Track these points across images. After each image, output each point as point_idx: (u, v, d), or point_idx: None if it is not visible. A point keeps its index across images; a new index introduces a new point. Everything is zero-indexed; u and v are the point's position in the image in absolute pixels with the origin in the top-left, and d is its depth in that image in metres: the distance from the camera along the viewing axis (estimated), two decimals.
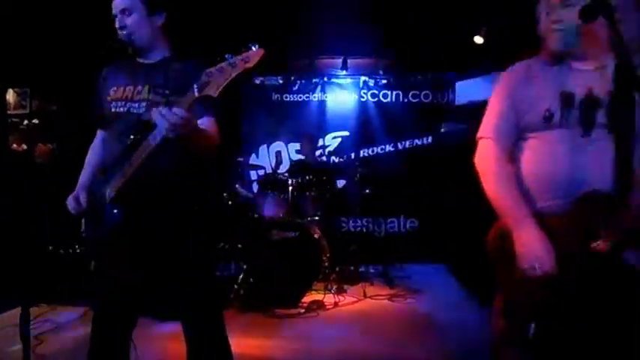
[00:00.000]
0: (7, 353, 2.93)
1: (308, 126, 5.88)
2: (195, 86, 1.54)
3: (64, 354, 2.99)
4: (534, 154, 1.55)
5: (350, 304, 4.05)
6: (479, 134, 1.67)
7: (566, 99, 1.49)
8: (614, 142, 1.43)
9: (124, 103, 1.86)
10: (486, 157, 1.63)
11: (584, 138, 1.46)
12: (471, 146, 1.72)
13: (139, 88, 1.86)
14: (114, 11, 1.85)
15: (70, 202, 1.89)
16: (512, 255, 1.48)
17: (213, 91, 1.53)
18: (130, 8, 1.83)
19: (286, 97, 6.05)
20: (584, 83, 1.49)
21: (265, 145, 6.06)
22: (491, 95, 1.68)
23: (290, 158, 5.94)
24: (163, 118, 1.53)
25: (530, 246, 1.44)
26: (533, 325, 1.46)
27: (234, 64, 1.51)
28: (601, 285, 1.42)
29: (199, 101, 1.57)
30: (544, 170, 1.51)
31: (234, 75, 1.52)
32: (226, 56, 1.52)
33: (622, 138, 1.42)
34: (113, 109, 1.88)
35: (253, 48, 1.52)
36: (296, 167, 5.12)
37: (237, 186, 4.71)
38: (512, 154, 1.63)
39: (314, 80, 6.05)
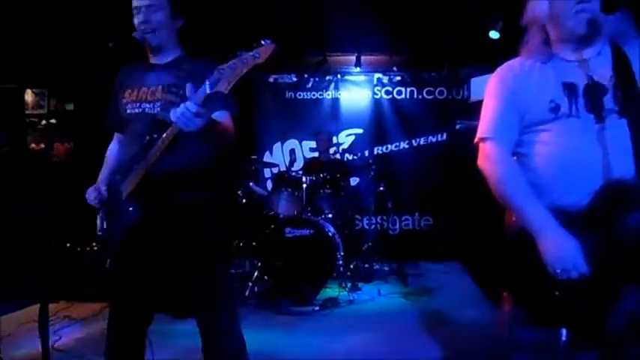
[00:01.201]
0: (27, 348, 2.99)
1: (322, 124, 5.87)
2: (207, 83, 1.56)
3: (81, 349, 3.04)
4: (548, 148, 1.48)
5: (364, 302, 4.04)
6: (480, 135, 1.59)
7: (570, 89, 1.45)
8: (628, 126, 1.37)
9: (138, 104, 1.88)
10: (494, 160, 1.55)
11: (598, 125, 1.40)
12: (475, 145, 1.66)
13: (153, 88, 1.88)
14: (136, 3, 1.85)
15: (90, 193, 1.91)
16: (534, 261, 1.40)
17: (224, 87, 1.54)
18: (157, 5, 1.84)
19: (300, 95, 6.05)
20: (582, 72, 1.45)
21: (279, 143, 6.07)
22: (486, 95, 1.62)
23: (304, 156, 5.94)
24: (177, 113, 1.54)
25: (561, 249, 1.36)
26: (565, 332, 1.41)
27: (244, 60, 1.53)
28: (634, 277, 1.37)
29: (212, 97, 1.58)
30: (561, 163, 1.44)
31: (244, 71, 1.54)
32: (238, 52, 1.53)
33: (635, 121, 1.37)
34: (129, 111, 1.90)
35: (264, 43, 1.52)
36: (310, 165, 5.12)
37: (251, 184, 4.73)
38: (516, 150, 1.57)
39: (327, 78, 6.04)
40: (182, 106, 1.56)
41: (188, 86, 1.60)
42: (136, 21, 1.86)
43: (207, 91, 1.56)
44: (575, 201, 1.41)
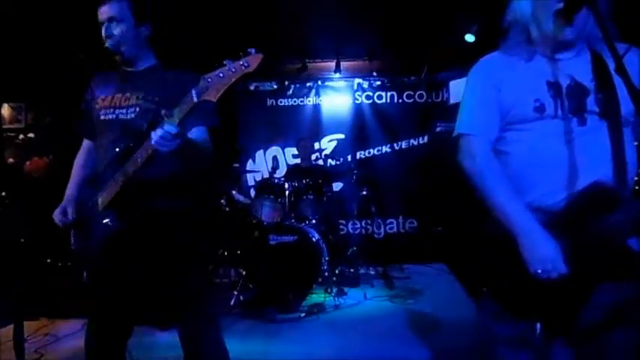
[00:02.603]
0: None
1: (303, 130, 5.89)
2: (193, 92, 1.54)
3: None
4: (530, 148, 1.47)
5: (350, 306, 4.04)
6: (460, 130, 1.56)
7: (554, 88, 1.45)
8: (607, 129, 1.39)
9: (112, 110, 1.86)
10: (475, 155, 1.52)
11: (580, 127, 1.41)
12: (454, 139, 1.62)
13: (127, 94, 1.86)
14: (100, 18, 1.85)
15: (56, 215, 1.88)
16: (511, 258, 1.41)
17: (212, 96, 1.53)
18: (118, 17, 1.83)
19: (281, 102, 6.06)
20: (565, 72, 1.46)
21: (262, 151, 6.06)
22: (467, 88, 1.58)
23: (287, 163, 5.94)
24: (157, 136, 1.54)
25: (542, 250, 1.37)
26: (539, 327, 1.43)
27: (234, 69, 1.51)
28: (610, 275, 1.38)
29: (197, 108, 1.56)
30: (543, 163, 1.44)
31: (233, 80, 1.53)
32: (225, 62, 1.52)
33: (614, 124, 1.39)
34: (102, 117, 1.88)
35: (251, 52, 1.52)
36: (293, 171, 5.12)
37: (233, 192, 4.70)
38: (497, 147, 1.55)
39: (308, 84, 6.07)
40: (161, 129, 1.54)
41: (165, 95, 1.58)
42: (102, 35, 1.86)
43: (195, 100, 1.54)
44: (554, 202, 1.42)
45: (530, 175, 1.47)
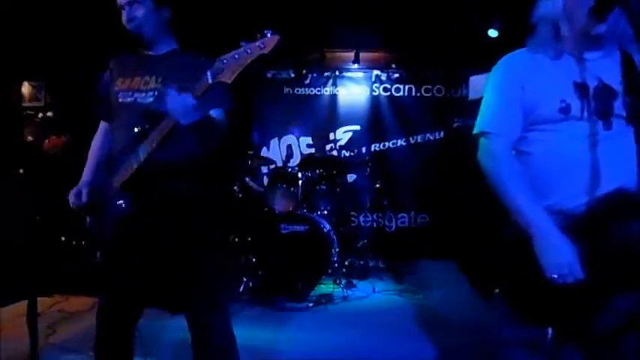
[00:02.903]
0: (19, 343, 2.98)
1: (319, 120, 5.87)
2: (209, 73, 1.54)
3: (76, 343, 3.03)
4: (554, 149, 1.44)
5: (359, 298, 4.04)
6: (480, 128, 1.52)
7: (581, 89, 1.41)
8: (634, 134, 1.33)
9: (130, 93, 1.87)
10: (494, 156, 1.49)
11: (606, 131, 1.38)
12: (475, 136, 1.58)
13: (146, 78, 1.87)
14: (119, 2, 1.84)
15: (70, 197, 1.90)
16: (527, 261, 1.39)
17: (227, 78, 1.53)
18: (139, 1, 1.82)
19: (298, 91, 6.04)
20: (593, 72, 1.42)
21: (276, 139, 6.05)
22: (490, 85, 1.54)
23: (301, 152, 5.93)
24: (174, 104, 1.53)
25: (559, 254, 1.34)
26: (550, 331, 1.41)
27: (249, 51, 1.50)
28: (628, 283, 1.36)
29: (212, 89, 1.56)
30: (566, 166, 1.41)
31: (249, 61, 1.52)
32: (241, 43, 1.51)
33: None
34: (120, 100, 1.89)
35: (268, 34, 1.51)
36: (307, 161, 5.10)
37: (247, 179, 4.72)
38: (519, 147, 1.52)
39: (325, 74, 6.03)
40: (179, 97, 1.54)
41: (184, 79, 1.58)
42: (122, 19, 1.86)
43: (210, 81, 1.54)
44: (575, 205, 1.39)
45: (552, 178, 1.44)
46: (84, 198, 1.88)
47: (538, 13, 1.51)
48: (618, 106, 1.39)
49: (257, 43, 1.50)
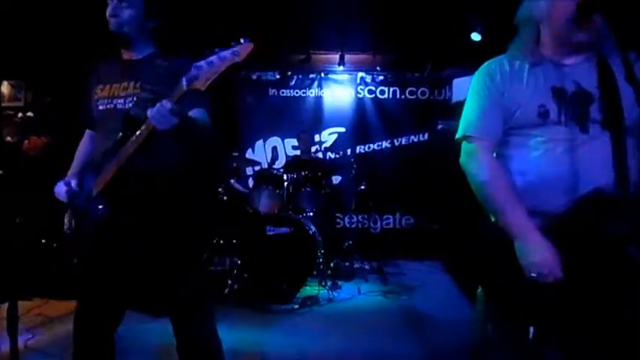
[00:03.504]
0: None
1: (304, 122, 5.87)
2: (183, 80, 1.55)
3: (56, 347, 2.96)
4: (533, 153, 1.47)
5: (344, 300, 4.04)
6: (463, 133, 1.56)
7: (559, 94, 1.44)
8: (609, 138, 1.39)
9: (110, 100, 1.85)
10: (477, 159, 1.52)
11: (583, 135, 1.41)
12: (457, 141, 1.61)
13: (125, 84, 1.85)
14: None
15: (59, 187, 1.86)
16: (509, 262, 1.42)
17: (201, 85, 1.54)
18: (130, 2, 1.81)
19: (283, 93, 6.04)
20: (571, 78, 1.46)
21: (261, 141, 6.04)
22: (472, 91, 1.58)
23: (286, 154, 5.92)
24: (153, 111, 1.54)
25: (538, 254, 1.37)
26: (532, 329, 1.43)
27: (223, 58, 1.52)
28: (608, 283, 1.38)
29: (188, 94, 1.56)
30: (545, 169, 1.44)
31: (222, 68, 1.53)
32: (216, 50, 1.52)
33: (616, 133, 1.39)
34: (100, 107, 1.87)
35: (243, 42, 1.52)
36: (292, 163, 5.10)
37: (232, 181, 4.69)
38: (499, 150, 1.55)
39: (310, 76, 6.04)
40: (157, 104, 1.54)
41: (162, 83, 1.58)
42: (107, 13, 1.83)
43: (184, 87, 1.55)
44: (554, 207, 1.42)
45: (532, 180, 1.47)
46: (74, 187, 1.85)
47: (521, 14, 1.55)
48: (594, 110, 1.42)
49: (230, 51, 1.52)
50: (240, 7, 4.52)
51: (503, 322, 1.52)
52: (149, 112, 1.57)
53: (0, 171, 4.24)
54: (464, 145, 1.57)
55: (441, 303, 3.95)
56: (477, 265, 1.58)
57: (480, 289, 1.59)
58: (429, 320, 3.59)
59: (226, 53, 1.52)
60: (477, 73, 1.59)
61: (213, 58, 1.52)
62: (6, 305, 3.52)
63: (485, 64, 1.58)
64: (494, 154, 1.56)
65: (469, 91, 1.60)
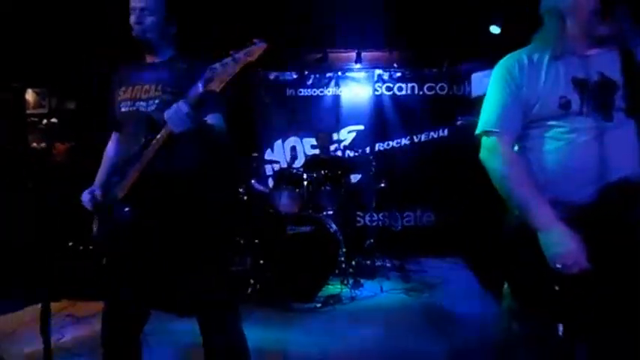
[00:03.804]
0: (29, 347, 2.99)
1: (323, 120, 5.87)
2: (200, 82, 1.58)
3: (84, 347, 3.04)
4: (555, 144, 1.46)
5: (367, 298, 4.04)
6: (482, 128, 1.56)
7: (581, 85, 1.43)
8: (635, 125, 1.38)
9: (132, 102, 1.89)
10: (497, 154, 1.53)
11: (607, 123, 1.40)
12: (477, 136, 1.62)
13: (147, 86, 1.89)
14: (132, 5, 1.87)
15: (85, 196, 1.92)
16: (533, 255, 1.41)
17: (216, 86, 1.57)
18: (152, 9, 1.86)
19: (300, 92, 6.04)
20: (594, 68, 1.44)
21: (280, 140, 6.06)
22: (491, 85, 1.58)
23: (305, 153, 5.94)
24: (169, 113, 1.57)
25: (562, 245, 1.37)
26: (561, 326, 1.42)
27: (236, 59, 1.55)
28: (635, 272, 1.36)
29: (205, 97, 1.59)
30: (569, 159, 1.43)
31: (237, 69, 1.56)
32: (231, 52, 1.55)
33: None
34: (123, 109, 1.91)
35: (257, 42, 1.55)
36: (311, 162, 5.11)
37: (252, 181, 4.72)
38: (521, 143, 1.55)
39: (328, 74, 6.03)
40: (174, 105, 1.58)
41: (183, 86, 1.61)
42: (130, 20, 1.88)
43: (200, 90, 1.58)
44: (579, 197, 1.41)
45: (555, 171, 1.46)
46: (98, 197, 1.90)
47: (545, 5, 1.53)
48: (618, 98, 1.41)
49: (244, 52, 1.55)
50: (257, 7, 4.55)
51: (529, 319, 1.51)
52: (165, 114, 1.60)
53: (29, 182, 4.35)
54: (484, 140, 1.58)
55: (464, 300, 3.91)
56: (501, 261, 1.57)
57: (505, 286, 1.58)
58: (452, 317, 3.56)
59: (240, 54, 1.54)
60: (495, 67, 1.59)
61: (227, 59, 1.55)
62: (36, 306, 3.64)
63: (504, 58, 1.58)
64: (516, 148, 1.56)
65: (488, 86, 1.60)
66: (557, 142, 1.46)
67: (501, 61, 1.58)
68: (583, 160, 1.41)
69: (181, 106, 1.57)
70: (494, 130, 1.54)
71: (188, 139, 1.66)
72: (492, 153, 1.54)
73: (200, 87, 1.57)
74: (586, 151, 1.41)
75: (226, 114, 1.88)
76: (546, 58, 1.49)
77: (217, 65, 1.55)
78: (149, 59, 1.97)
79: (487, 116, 1.57)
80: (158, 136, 1.69)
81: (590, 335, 1.44)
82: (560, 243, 1.38)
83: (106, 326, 1.90)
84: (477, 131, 1.59)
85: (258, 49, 1.54)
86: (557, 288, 1.40)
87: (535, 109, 1.48)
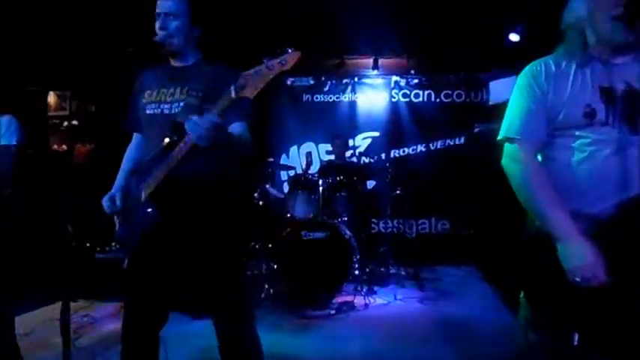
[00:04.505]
0: (48, 346, 3.04)
1: (339, 126, 5.88)
2: (232, 88, 1.58)
3: (100, 346, 3.09)
4: (578, 154, 1.44)
5: (380, 306, 4.02)
6: (505, 134, 1.54)
7: (607, 94, 1.41)
8: None
9: (157, 105, 1.92)
10: (519, 161, 1.50)
11: (632, 137, 1.37)
12: (499, 143, 1.59)
13: (172, 90, 1.92)
14: (158, 10, 1.90)
15: (105, 201, 1.95)
16: (552, 267, 1.39)
17: (249, 93, 1.57)
18: (176, 13, 1.89)
19: (317, 98, 6.06)
20: (621, 77, 1.42)
21: (296, 146, 6.08)
22: (515, 92, 1.56)
23: (320, 159, 5.94)
24: (196, 126, 1.57)
25: (582, 258, 1.35)
26: (576, 335, 1.40)
27: (270, 67, 1.55)
28: None
29: (234, 104, 1.60)
30: (591, 171, 1.41)
31: (270, 77, 1.57)
32: (263, 60, 1.56)
33: None
34: (148, 112, 1.94)
35: (289, 51, 1.55)
36: (326, 168, 5.12)
37: (267, 186, 4.75)
38: (544, 152, 1.52)
39: (344, 80, 6.05)
40: (199, 117, 1.57)
41: (208, 90, 1.61)
42: (156, 26, 1.91)
43: (233, 95, 1.58)
44: (600, 209, 1.39)
45: (578, 182, 1.44)
46: (118, 202, 1.94)
47: (566, 18, 1.52)
48: None
49: (278, 60, 1.56)
50: (275, 13, 4.58)
51: (546, 329, 1.49)
52: (187, 127, 1.60)
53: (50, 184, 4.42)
54: (506, 146, 1.56)
55: (479, 309, 3.87)
56: (519, 270, 1.55)
57: (522, 295, 1.57)
58: (467, 327, 3.52)
59: (274, 62, 1.55)
60: (521, 73, 1.57)
61: (261, 67, 1.56)
62: (53, 306, 3.69)
63: (530, 64, 1.56)
64: (539, 157, 1.53)
65: (512, 92, 1.58)
66: (580, 153, 1.44)
67: (527, 67, 1.56)
68: (605, 173, 1.39)
69: (209, 119, 1.56)
70: (516, 136, 1.52)
71: (215, 147, 1.67)
72: (513, 160, 1.52)
73: (233, 93, 1.58)
74: (609, 164, 1.39)
75: (251, 122, 1.90)
76: (573, 65, 1.47)
77: (250, 72, 1.56)
78: (174, 63, 1.99)
79: (509, 122, 1.55)
80: (186, 140, 1.71)
81: (607, 348, 1.42)
82: (579, 255, 1.36)
83: (127, 326, 1.92)
84: (499, 137, 1.57)
85: (292, 57, 1.56)
86: (574, 300, 1.38)
87: (560, 117, 1.46)
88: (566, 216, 1.40)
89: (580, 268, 1.35)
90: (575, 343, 1.40)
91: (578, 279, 1.35)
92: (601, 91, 1.42)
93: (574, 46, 1.49)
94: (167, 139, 1.76)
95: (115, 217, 1.99)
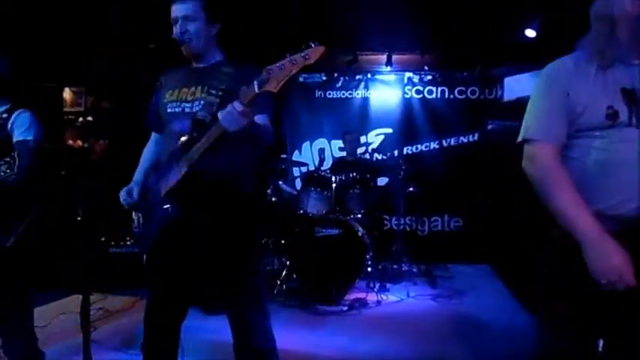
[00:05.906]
0: (66, 339, 3.08)
1: (351, 123, 5.86)
2: (255, 83, 1.60)
3: (115, 339, 3.12)
4: (602, 155, 1.42)
5: (393, 303, 4.01)
6: (526, 136, 1.52)
7: (630, 95, 1.39)
8: None
9: (178, 104, 1.94)
10: (541, 163, 1.47)
11: None
12: (519, 144, 1.57)
13: (193, 89, 1.93)
14: (174, 15, 1.91)
15: (122, 194, 1.98)
16: (576, 269, 1.37)
17: (273, 87, 1.58)
18: (193, 16, 1.89)
19: (329, 94, 6.04)
20: None
21: (308, 142, 6.08)
22: (535, 92, 1.54)
23: (333, 155, 5.93)
24: (228, 114, 1.60)
25: (608, 260, 1.32)
26: (602, 342, 1.38)
27: (294, 61, 1.56)
28: None
29: (258, 98, 1.61)
30: (615, 172, 1.39)
31: (294, 71, 1.58)
32: (286, 54, 1.56)
33: None
34: (169, 110, 1.96)
35: (312, 45, 1.56)
36: (339, 164, 5.11)
37: (280, 182, 4.75)
38: (565, 153, 1.50)
39: (357, 77, 6.01)
40: (229, 106, 1.60)
41: (229, 88, 1.63)
42: (174, 31, 1.92)
43: (256, 90, 1.60)
44: (625, 211, 1.38)
45: (601, 184, 1.42)
46: (135, 196, 1.96)
47: (597, 9, 1.48)
48: None
49: (302, 54, 1.56)
50: (287, 9, 4.58)
51: (565, 332, 1.47)
52: (219, 114, 1.63)
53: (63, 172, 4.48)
54: (526, 148, 1.53)
55: (492, 308, 3.84)
56: (540, 271, 1.53)
57: (542, 297, 1.54)
58: (480, 326, 3.50)
59: (297, 56, 1.56)
60: (541, 73, 1.55)
61: (284, 61, 1.56)
62: (69, 299, 3.74)
63: (550, 64, 1.53)
64: (560, 158, 1.50)
65: (532, 92, 1.56)
66: (603, 153, 1.42)
67: (547, 67, 1.54)
68: (629, 173, 1.37)
69: (236, 105, 1.60)
70: (536, 138, 1.50)
71: (237, 139, 1.69)
72: (534, 162, 1.49)
73: (256, 87, 1.59)
74: (633, 164, 1.37)
75: (272, 116, 1.91)
76: (594, 65, 1.45)
77: (273, 67, 1.57)
78: (195, 64, 2.01)
79: (529, 123, 1.52)
80: (207, 135, 1.72)
81: (629, 354, 1.40)
82: (605, 257, 1.32)
83: (149, 319, 1.95)
84: (519, 139, 1.55)
85: (316, 51, 1.56)
86: (598, 303, 1.36)
87: (581, 119, 1.44)
88: (590, 217, 1.37)
89: (606, 271, 1.32)
90: (601, 348, 1.38)
91: (604, 282, 1.32)
92: (623, 92, 1.40)
93: (601, 40, 1.45)
94: (187, 136, 1.78)
95: (133, 214, 2.01)
